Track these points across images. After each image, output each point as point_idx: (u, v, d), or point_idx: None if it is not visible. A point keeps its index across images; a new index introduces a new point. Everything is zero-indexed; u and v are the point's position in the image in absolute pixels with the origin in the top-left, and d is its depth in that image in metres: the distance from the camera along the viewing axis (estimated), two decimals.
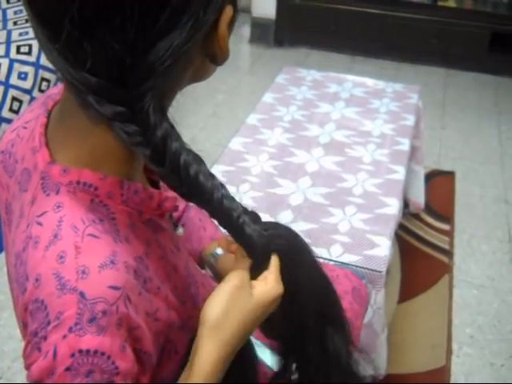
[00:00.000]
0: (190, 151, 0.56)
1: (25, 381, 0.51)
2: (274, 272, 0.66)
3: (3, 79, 2.10)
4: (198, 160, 0.57)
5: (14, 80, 2.13)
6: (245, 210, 0.63)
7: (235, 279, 0.63)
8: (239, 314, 0.62)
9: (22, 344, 0.54)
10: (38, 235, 0.54)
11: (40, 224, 0.55)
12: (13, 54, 2.17)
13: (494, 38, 3.36)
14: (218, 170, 1.63)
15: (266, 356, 0.95)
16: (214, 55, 0.58)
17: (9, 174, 0.66)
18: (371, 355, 1.42)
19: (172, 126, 0.55)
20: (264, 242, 0.64)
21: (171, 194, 0.94)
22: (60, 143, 0.59)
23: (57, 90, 0.71)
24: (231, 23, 0.58)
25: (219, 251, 0.91)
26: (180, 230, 0.79)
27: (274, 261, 0.66)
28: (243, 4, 3.67)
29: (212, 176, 0.58)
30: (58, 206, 0.55)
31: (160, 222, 0.65)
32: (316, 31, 3.67)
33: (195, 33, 0.52)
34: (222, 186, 0.59)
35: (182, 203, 0.98)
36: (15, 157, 0.66)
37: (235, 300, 0.62)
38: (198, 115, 2.91)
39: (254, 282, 0.65)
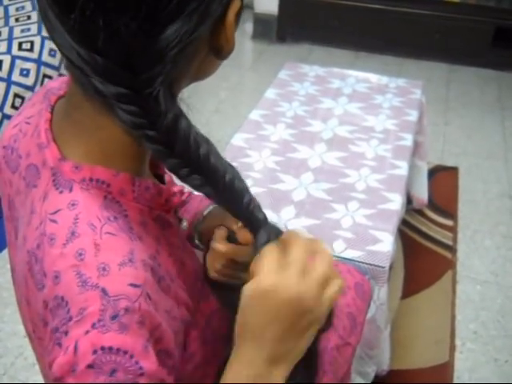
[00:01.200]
0: (199, 133, 0.55)
1: (28, 378, 0.50)
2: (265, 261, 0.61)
3: (5, 76, 2.10)
4: (208, 141, 0.56)
5: (16, 77, 2.13)
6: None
7: (265, 279, 0.57)
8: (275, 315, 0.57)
9: (26, 340, 0.53)
10: (53, 232, 0.54)
11: (55, 221, 0.54)
12: (15, 50, 2.17)
13: (497, 33, 3.35)
14: None
15: None
16: (219, 48, 0.58)
17: (12, 170, 0.66)
18: (374, 351, 1.42)
19: (181, 111, 0.54)
20: (275, 230, 0.63)
21: (177, 189, 0.94)
22: (68, 139, 0.59)
23: (56, 83, 0.71)
24: (238, 15, 0.58)
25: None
26: (184, 224, 0.78)
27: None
28: (246, 0, 3.66)
29: (221, 157, 0.57)
30: (73, 204, 0.55)
31: (167, 218, 0.65)
32: (319, 27, 3.65)
33: (204, 20, 0.52)
34: (232, 166, 0.58)
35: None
36: (18, 152, 0.65)
37: (270, 302, 0.56)
38: (201, 111, 2.91)
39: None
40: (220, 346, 0.73)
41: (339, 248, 1.37)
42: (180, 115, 0.53)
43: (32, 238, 0.56)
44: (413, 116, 1.96)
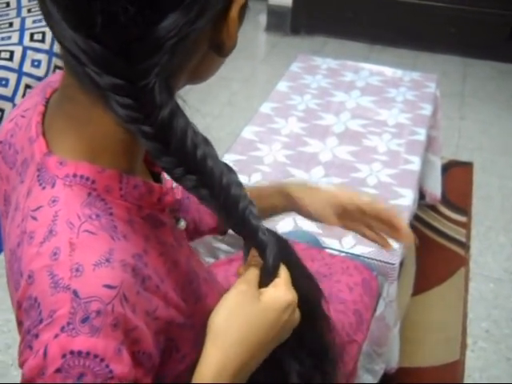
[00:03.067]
0: (197, 132, 0.53)
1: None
2: (284, 278, 0.64)
3: (16, 67, 2.10)
4: (206, 142, 0.54)
5: (27, 67, 2.13)
6: (251, 201, 0.60)
7: (241, 284, 0.62)
8: (242, 319, 0.60)
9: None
10: (33, 230, 0.52)
11: (35, 219, 0.53)
12: (26, 41, 2.16)
13: None
14: (229, 159, 1.61)
15: None
16: (220, 44, 0.56)
17: (9, 166, 0.64)
18: (383, 348, 1.40)
19: (178, 107, 0.52)
20: (271, 240, 0.62)
21: (171, 186, 0.92)
22: (57, 133, 0.57)
23: (57, 77, 0.69)
24: (242, 11, 0.55)
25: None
26: (182, 224, 0.76)
27: (284, 268, 0.64)
28: None
29: (220, 160, 0.55)
30: (54, 201, 0.53)
31: (160, 217, 0.63)
32: (333, 19, 3.62)
33: (205, 12, 0.50)
34: (230, 169, 0.57)
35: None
36: (15, 147, 0.64)
37: (239, 305, 0.60)
38: (213, 104, 2.89)
39: (263, 289, 0.63)
40: None
41: (348, 244, 1.35)
42: (177, 111, 0.51)
43: (14, 236, 0.55)
44: (427, 110, 1.93)
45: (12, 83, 2.08)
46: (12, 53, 2.11)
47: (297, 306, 0.64)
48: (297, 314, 0.64)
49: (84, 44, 0.47)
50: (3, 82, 2.06)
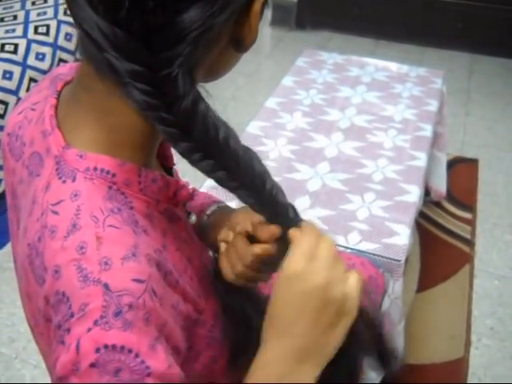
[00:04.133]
0: (217, 116, 0.53)
1: (40, 362, 0.48)
2: (299, 246, 0.58)
3: (21, 60, 2.09)
4: (226, 124, 0.53)
5: (31, 61, 2.12)
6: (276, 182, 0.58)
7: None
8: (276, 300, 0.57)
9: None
10: (54, 224, 0.52)
11: (56, 213, 0.52)
12: (31, 34, 2.16)
13: None
14: None
15: None
16: (241, 38, 0.55)
17: (15, 158, 0.64)
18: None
19: (200, 95, 0.52)
20: (298, 219, 0.61)
21: (184, 182, 0.91)
22: (74, 125, 0.56)
23: (65, 69, 0.68)
24: (263, 5, 0.55)
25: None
26: (193, 218, 0.76)
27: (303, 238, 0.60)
28: None
29: (240, 140, 0.54)
30: (76, 195, 0.53)
31: (175, 211, 0.63)
32: (339, 14, 3.60)
33: (229, 4, 0.50)
34: (251, 149, 0.55)
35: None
36: (22, 139, 0.63)
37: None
38: (218, 99, 2.86)
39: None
40: (227, 346, 0.70)
41: (354, 240, 1.35)
42: (198, 99, 0.51)
43: (33, 231, 0.54)
44: (433, 106, 1.91)
45: (16, 76, 2.07)
46: (16, 46, 2.10)
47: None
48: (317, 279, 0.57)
49: (107, 28, 0.46)
50: (7, 75, 2.05)
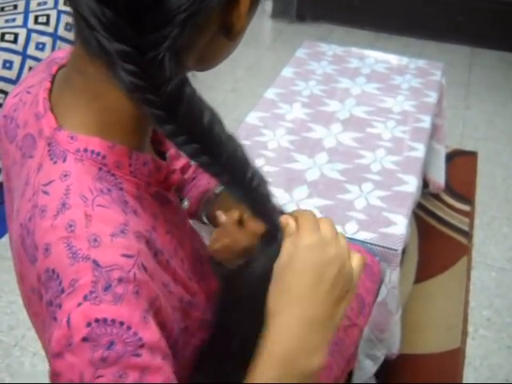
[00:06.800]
0: (203, 101, 0.53)
1: (39, 350, 0.49)
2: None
3: (21, 49, 2.09)
4: (212, 110, 0.53)
5: (31, 50, 2.12)
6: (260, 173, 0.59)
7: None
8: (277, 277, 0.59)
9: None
10: (44, 204, 0.53)
11: (46, 193, 0.53)
12: (31, 24, 2.15)
13: None
14: None
15: None
16: (230, 25, 0.55)
17: (9, 139, 0.64)
18: (384, 334, 1.40)
19: (187, 79, 0.52)
20: (279, 210, 0.61)
21: (181, 164, 0.92)
22: (66, 108, 0.57)
23: (61, 53, 0.69)
24: None
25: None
26: (186, 203, 0.76)
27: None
28: None
29: (225, 127, 0.54)
30: (65, 175, 0.53)
31: (167, 195, 0.63)
32: (339, 7, 3.59)
33: None
34: (235, 138, 0.55)
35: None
36: (17, 122, 0.64)
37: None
38: (217, 91, 2.88)
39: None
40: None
41: (351, 229, 1.35)
42: (185, 82, 0.51)
43: (24, 211, 0.55)
44: (432, 98, 1.91)
45: (16, 66, 2.07)
46: (16, 35, 2.10)
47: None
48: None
49: (97, 8, 0.47)
50: (7, 65, 2.05)
